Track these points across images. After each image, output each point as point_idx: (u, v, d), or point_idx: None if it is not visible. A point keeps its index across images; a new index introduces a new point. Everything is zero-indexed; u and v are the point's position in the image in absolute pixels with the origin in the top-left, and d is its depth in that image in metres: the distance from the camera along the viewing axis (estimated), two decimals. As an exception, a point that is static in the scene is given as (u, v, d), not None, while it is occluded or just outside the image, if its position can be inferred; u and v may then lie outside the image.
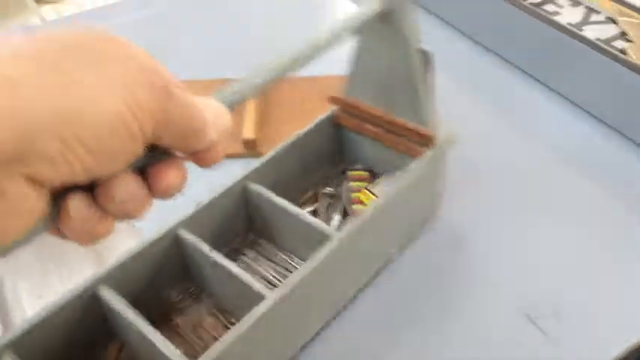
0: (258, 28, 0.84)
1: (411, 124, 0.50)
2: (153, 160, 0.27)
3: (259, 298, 0.39)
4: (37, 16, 2.00)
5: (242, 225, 0.50)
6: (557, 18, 0.69)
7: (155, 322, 0.39)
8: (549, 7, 0.72)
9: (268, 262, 0.49)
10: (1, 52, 0.21)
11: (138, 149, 0.24)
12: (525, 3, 0.72)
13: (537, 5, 0.72)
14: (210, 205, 0.46)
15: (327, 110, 0.55)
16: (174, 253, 0.45)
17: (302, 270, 0.41)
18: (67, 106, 0.21)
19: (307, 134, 0.53)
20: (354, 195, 0.54)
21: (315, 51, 0.39)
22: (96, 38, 0.24)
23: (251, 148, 0.61)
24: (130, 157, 0.24)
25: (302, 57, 0.38)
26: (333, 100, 0.54)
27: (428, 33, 0.49)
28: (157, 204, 0.27)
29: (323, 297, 0.45)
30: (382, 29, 0.46)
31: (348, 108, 0.54)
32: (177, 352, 0.36)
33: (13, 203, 0.21)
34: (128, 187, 0.25)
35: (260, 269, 0.49)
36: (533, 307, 0.47)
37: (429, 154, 0.49)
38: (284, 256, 0.50)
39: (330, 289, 0.45)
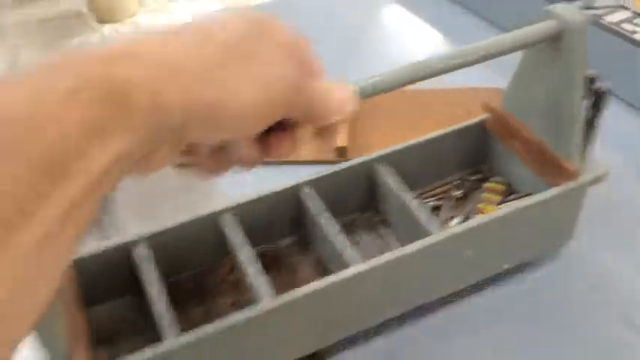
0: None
1: (556, 154, 0.48)
2: (274, 129, 0.31)
3: (345, 265, 0.43)
4: (99, 35, 2.13)
5: (361, 201, 0.54)
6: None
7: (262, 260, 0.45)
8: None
9: (375, 240, 0.52)
10: (174, 45, 0.26)
11: (266, 126, 0.29)
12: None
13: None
14: (335, 173, 0.50)
15: (419, 123, 0.55)
16: (293, 206, 0.50)
17: (390, 255, 0.43)
18: (216, 96, 0.26)
19: (452, 133, 0.54)
20: (481, 205, 0.54)
21: (476, 58, 0.40)
22: (248, 34, 0.28)
23: (342, 155, 0.63)
24: (258, 132, 0.30)
25: (459, 61, 0.40)
26: (488, 108, 0.54)
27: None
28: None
29: (406, 287, 0.47)
30: (550, 49, 0.45)
31: (500, 119, 0.53)
32: (266, 281, 0.42)
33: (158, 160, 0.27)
34: (248, 150, 0.32)
35: (364, 243, 0.52)
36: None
37: (565, 187, 0.47)
38: (391, 239, 0.52)
39: (416, 283, 0.47)
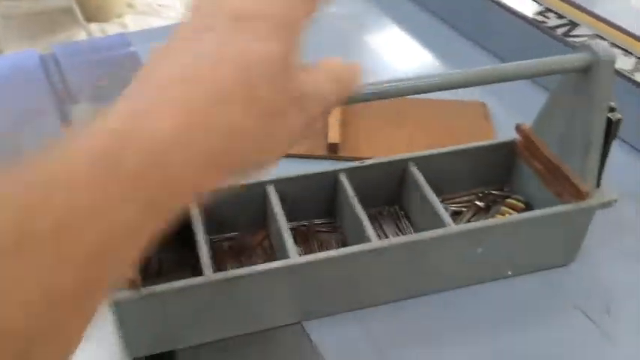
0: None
1: (573, 175, 0.53)
2: None
3: (367, 239, 0.49)
4: (85, 32, 2.17)
5: (389, 195, 0.60)
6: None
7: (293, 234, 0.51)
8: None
9: (395, 230, 0.58)
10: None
11: None
12: None
13: None
14: (370, 166, 0.56)
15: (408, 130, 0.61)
16: (327, 189, 0.57)
17: (406, 237, 0.49)
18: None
19: (482, 148, 0.60)
20: (498, 216, 0.59)
21: (505, 77, 0.46)
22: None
23: (333, 151, 0.68)
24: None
25: (497, 76, 0.46)
26: (520, 130, 0.59)
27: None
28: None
29: (418, 272, 0.52)
30: (578, 80, 0.50)
31: (528, 140, 0.59)
32: (295, 247, 0.48)
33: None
34: None
35: (386, 231, 0.58)
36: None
37: (576, 206, 0.52)
38: (410, 231, 0.58)
39: (428, 270, 0.52)
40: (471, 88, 0.49)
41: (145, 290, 0.44)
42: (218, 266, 0.54)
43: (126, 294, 0.44)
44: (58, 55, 0.85)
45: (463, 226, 0.51)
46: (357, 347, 0.50)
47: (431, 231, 0.50)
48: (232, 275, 0.46)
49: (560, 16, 0.84)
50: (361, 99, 0.43)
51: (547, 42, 0.80)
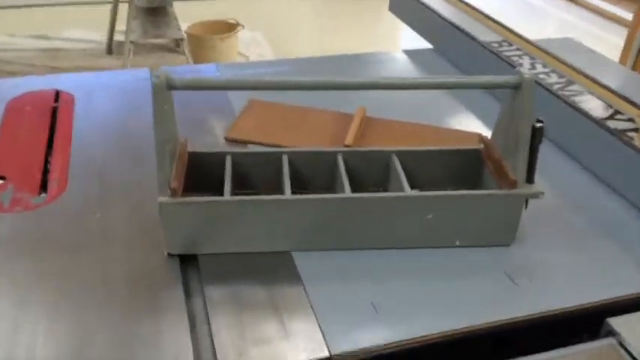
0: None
1: (508, 169, 0.69)
2: None
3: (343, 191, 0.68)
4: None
5: (376, 179, 0.78)
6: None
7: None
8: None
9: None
10: None
11: None
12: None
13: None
14: (363, 152, 0.76)
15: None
16: (327, 165, 0.76)
17: (373, 194, 0.68)
18: None
19: (456, 152, 0.78)
20: (460, 204, 0.76)
21: (455, 85, 0.65)
22: None
23: None
24: None
25: (442, 83, 0.65)
26: (482, 139, 0.77)
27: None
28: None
29: (380, 226, 0.70)
30: (515, 96, 0.68)
31: (487, 146, 0.76)
32: (290, 191, 0.68)
33: None
34: None
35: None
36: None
37: (506, 191, 0.68)
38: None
39: (388, 224, 0.70)
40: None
41: (180, 198, 0.65)
42: (239, 208, 0.74)
43: (167, 199, 0.65)
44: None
45: (417, 193, 0.69)
46: (327, 274, 0.68)
47: (393, 193, 0.68)
48: (242, 199, 0.66)
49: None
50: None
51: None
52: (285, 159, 0.75)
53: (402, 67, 1.24)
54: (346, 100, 1.01)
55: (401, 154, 0.76)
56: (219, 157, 0.75)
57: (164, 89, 0.62)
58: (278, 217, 0.68)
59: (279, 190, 0.71)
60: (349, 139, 0.90)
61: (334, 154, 0.76)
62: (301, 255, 0.70)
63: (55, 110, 0.99)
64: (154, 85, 0.61)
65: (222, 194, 0.68)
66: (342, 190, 0.72)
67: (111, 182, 0.82)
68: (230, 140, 0.92)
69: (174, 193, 0.65)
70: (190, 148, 0.74)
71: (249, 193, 0.77)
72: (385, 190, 0.79)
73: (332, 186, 0.78)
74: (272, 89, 0.67)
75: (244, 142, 0.92)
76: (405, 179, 0.72)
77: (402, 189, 0.70)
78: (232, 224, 0.68)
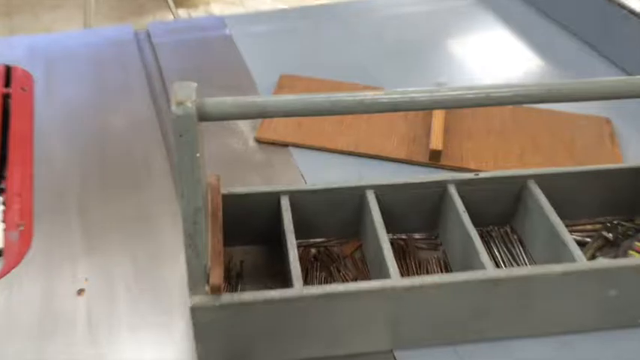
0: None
1: None
2: None
3: (479, 265, 0.42)
4: (173, 16, 2.14)
5: (501, 214, 0.52)
6: None
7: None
8: None
9: (507, 256, 0.51)
10: None
11: None
12: None
13: None
14: (485, 179, 0.49)
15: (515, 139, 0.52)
16: (432, 201, 0.50)
17: (527, 269, 0.42)
18: None
19: (613, 172, 0.52)
20: (631, 252, 0.51)
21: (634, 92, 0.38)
22: None
23: (435, 159, 0.62)
24: None
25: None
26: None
27: None
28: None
29: (528, 307, 0.45)
30: None
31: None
32: (396, 269, 0.42)
33: None
34: None
35: (496, 254, 0.51)
36: None
37: None
38: (524, 259, 0.50)
39: (542, 306, 0.45)
40: (588, 102, 0.42)
41: (227, 297, 0.39)
42: (303, 275, 0.48)
43: (206, 300, 0.39)
44: (153, 32, 0.82)
45: (598, 263, 0.43)
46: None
47: (559, 265, 0.43)
48: (326, 291, 0.40)
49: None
50: (461, 104, 0.36)
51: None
52: (370, 196, 0.48)
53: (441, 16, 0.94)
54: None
55: (541, 180, 0.50)
56: (269, 199, 0.48)
57: (194, 122, 0.34)
58: (376, 310, 0.43)
59: (357, 236, 0.46)
60: (435, 141, 0.62)
61: (442, 184, 0.50)
62: (408, 356, 0.45)
63: (5, 99, 0.70)
64: (178, 119, 0.33)
65: (269, 242, 0.42)
66: (461, 243, 0.46)
67: (95, 219, 0.55)
68: (263, 142, 0.65)
69: (215, 290, 0.38)
70: (223, 188, 0.47)
71: (314, 244, 0.51)
72: (513, 230, 0.53)
73: (435, 225, 0.52)
74: (347, 113, 0.39)
75: (283, 145, 0.64)
76: (562, 225, 0.46)
77: (560, 244, 0.45)
78: (304, 325, 0.42)
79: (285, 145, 0.64)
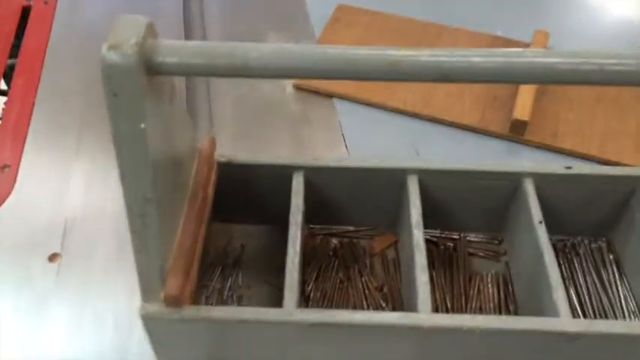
0: None
1: None
2: None
3: (551, 311, 0.30)
4: None
5: (594, 224, 0.39)
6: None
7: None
8: None
9: (595, 283, 0.37)
10: None
11: None
12: None
13: None
14: (577, 176, 0.36)
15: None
16: (499, 196, 0.37)
17: (603, 325, 0.29)
18: None
19: None
20: None
21: None
22: None
23: (518, 131, 0.47)
24: None
25: None
26: None
27: None
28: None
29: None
30: None
31: None
32: (428, 295, 0.30)
33: None
34: None
35: (579, 281, 0.37)
36: None
37: None
38: (623, 291, 0.37)
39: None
40: None
41: (190, 311, 0.29)
42: (314, 274, 0.37)
43: (161, 311, 0.29)
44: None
45: None
46: None
47: None
48: (323, 320, 0.29)
49: None
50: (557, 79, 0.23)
51: None
52: (412, 181, 0.36)
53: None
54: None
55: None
56: (281, 173, 0.36)
57: (134, 76, 0.23)
58: (403, 353, 0.31)
59: (390, 228, 0.37)
60: (521, 108, 0.48)
61: (516, 177, 0.36)
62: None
63: (25, 12, 0.62)
64: (110, 69, 0.22)
65: (278, 222, 0.32)
66: (532, 258, 0.34)
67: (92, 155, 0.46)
68: (303, 89, 0.53)
69: (171, 303, 0.29)
70: (220, 150, 0.36)
71: (337, 233, 0.40)
72: (610, 246, 0.39)
73: (499, 228, 0.39)
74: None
75: (327, 95, 0.52)
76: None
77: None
78: (293, 357, 0.32)
79: (330, 95, 0.52)
